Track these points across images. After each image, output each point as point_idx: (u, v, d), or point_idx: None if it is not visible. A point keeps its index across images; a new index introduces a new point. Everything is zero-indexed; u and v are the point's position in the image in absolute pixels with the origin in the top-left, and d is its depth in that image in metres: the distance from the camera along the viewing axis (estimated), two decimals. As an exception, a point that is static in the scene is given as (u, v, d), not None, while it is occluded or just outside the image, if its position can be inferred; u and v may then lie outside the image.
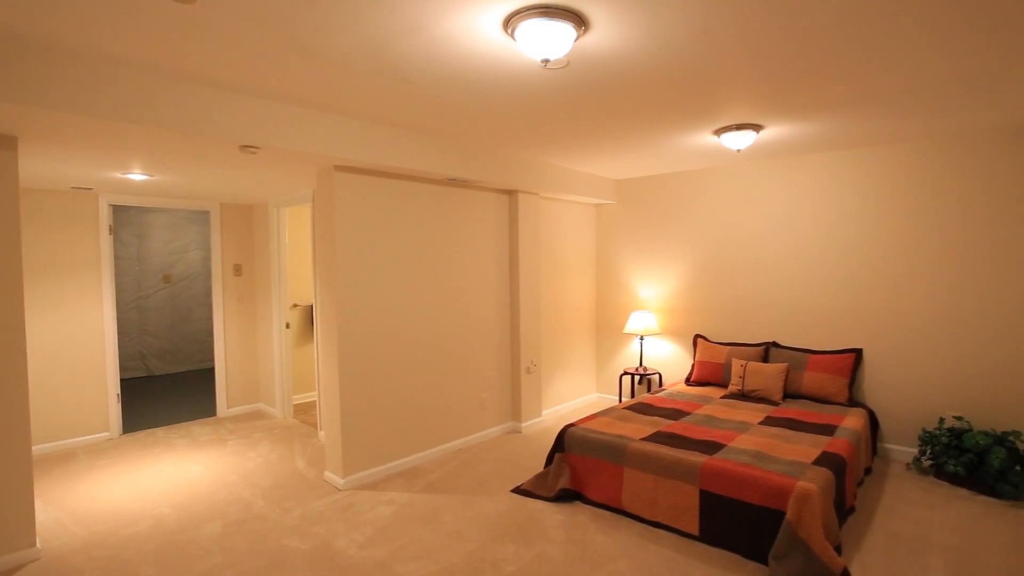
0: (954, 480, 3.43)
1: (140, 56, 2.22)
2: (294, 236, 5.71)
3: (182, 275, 7.55)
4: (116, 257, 6.95)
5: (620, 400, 5.38)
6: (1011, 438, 3.32)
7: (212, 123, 2.62)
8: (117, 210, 6.95)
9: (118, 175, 3.80)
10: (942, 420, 3.62)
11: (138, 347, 7.22)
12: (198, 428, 4.94)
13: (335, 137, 3.11)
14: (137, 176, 3.85)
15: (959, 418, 3.56)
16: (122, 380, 6.97)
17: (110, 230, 4.65)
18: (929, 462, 3.73)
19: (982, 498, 3.25)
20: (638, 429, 3.38)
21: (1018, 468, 3.22)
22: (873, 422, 3.88)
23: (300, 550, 2.76)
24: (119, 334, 6.98)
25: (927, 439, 3.57)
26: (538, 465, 3.88)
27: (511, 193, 4.65)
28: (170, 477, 3.77)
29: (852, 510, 3.06)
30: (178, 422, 5.14)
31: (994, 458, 3.17)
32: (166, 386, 6.71)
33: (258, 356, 5.58)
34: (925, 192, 3.79)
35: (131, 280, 7.16)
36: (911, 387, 3.88)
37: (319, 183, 3.56)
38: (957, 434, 3.47)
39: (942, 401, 3.76)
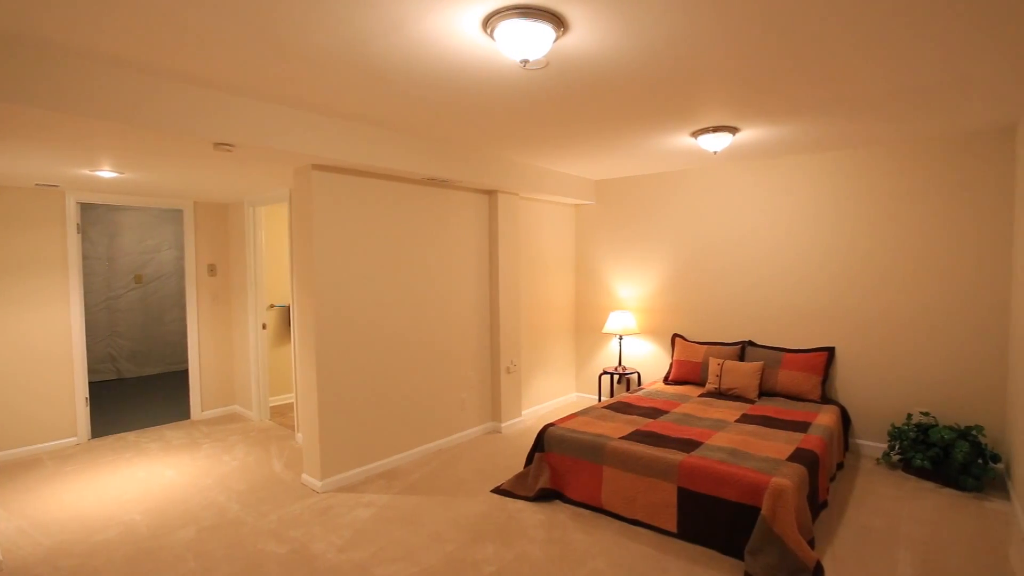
0: (921, 474, 3.54)
1: (109, 50, 2.16)
2: (271, 235, 5.62)
3: (154, 275, 7.36)
4: (85, 257, 6.75)
5: (599, 399, 5.42)
6: (974, 432, 3.44)
7: (185, 120, 2.56)
8: (85, 208, 6.75)
9: (86, 172, 3.68)
10: (910, 416, 3.73)
11: (108, 349, 7.02)
12: (171, 432, 4.83)
13: (313, 135, 3.07)
14: (106, 173, 3.74)
15: (926, 414, 3.67)
16: (91, 383, 6.77)
17: (78, 229, 4.51)
18: (898, 457, 3.84)
19: (947, 491, 3.36)
20: (617, 428, 3.41)
21: (980, 461, 3.33)
22: (845, 419, 3.98)
23: (277, 554, 2.72)
24: (88, 336, 6.78)
25: (896, 434, 3.68)
26: (518, 465, 3.89)
27: (491, 193, 4.65)
28: (141, 482, 3.68)
29: (825, 504, 3.14)
30: (150, 426, 5.01)
31: (958, 452, 3.28)
32: (137, 389, 6.53)
33: (234, 357, 5.47)
34: (894, 196, 3.90)
35: (100, 280, 6.96)
36: (881, 384, 3.99)
37: (296, 182, 3.51)
38: (924, 429, 3.58)
39: (910, 398, 3.87)
